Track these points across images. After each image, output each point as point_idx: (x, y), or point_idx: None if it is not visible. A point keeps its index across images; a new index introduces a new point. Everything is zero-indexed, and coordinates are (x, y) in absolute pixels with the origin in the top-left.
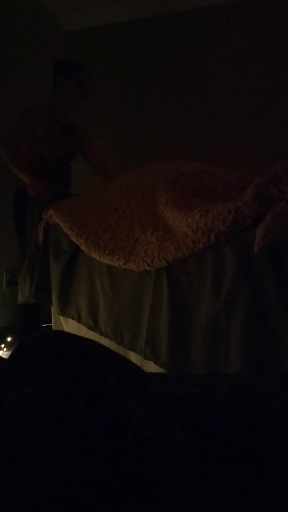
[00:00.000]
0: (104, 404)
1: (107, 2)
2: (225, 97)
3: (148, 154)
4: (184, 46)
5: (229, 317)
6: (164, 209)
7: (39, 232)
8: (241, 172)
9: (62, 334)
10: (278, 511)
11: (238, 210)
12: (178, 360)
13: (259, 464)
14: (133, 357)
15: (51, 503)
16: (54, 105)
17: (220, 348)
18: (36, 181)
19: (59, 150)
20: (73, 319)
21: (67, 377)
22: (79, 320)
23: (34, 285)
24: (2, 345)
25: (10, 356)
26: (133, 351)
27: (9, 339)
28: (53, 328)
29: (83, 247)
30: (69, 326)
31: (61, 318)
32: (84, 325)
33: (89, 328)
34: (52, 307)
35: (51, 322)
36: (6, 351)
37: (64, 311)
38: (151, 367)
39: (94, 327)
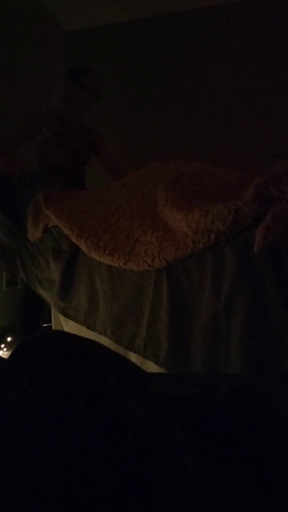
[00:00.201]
0: (104, 404)
1: (107, 2)
2: (225, 97)
3: (148, 154)
4: (184, 46)
5: (229, 317)
6: (164, 209)
7: (32, 234)
8: (241, 172)
9: (62, 334)
10: (278, 511)
11: (238, 210)
12: (178, 360)
13: (259, 464)
14: (133, 357)
15: (51, 503)
16: (66, 111)
17: (220, 348)
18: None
19: (72, 154)
20: (73, 320)
21: (67, 377)
22: (79, 321)
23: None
24: (2, 345)
25: (10, 356)
26: (133, 351)
27: (9, 339)
28: (53, 328)
29: (83, 247)
30: (69, 326)
31: (61, 318)
32: (83, 325)
33: (89, 327)
34: (52, 307)
35: (51, 322)
36: (6, 351)
37: (64, 311)
38: (151, 367)
39: (93, 327)
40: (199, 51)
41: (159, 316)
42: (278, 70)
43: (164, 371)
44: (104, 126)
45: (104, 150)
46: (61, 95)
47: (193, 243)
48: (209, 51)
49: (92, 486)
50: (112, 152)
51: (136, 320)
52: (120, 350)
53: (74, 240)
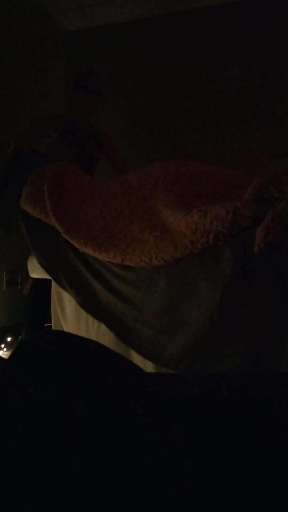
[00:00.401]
0: (104, 404)
1: (107, 2)
2: (226, 96)
3: (148, 154)
4: (184, 46)
5: (226, 317)
6: (164, 210)
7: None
8: (241, 172)
9: (62, 334)
10: (278, 511)
11: (237, 211)
12: (173, 358)
13: (259, 464)
14: (133, 357)
15: (51, 503)
16: (72, 114)
17: (217, 347)
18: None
19: (80, 156)
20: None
21: (67, 377)
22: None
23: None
24: (2, 345)
25: (10, 356)
26: (127, 344)
27: (9, 339)
28: (53, 328)
29: (80, 244)
30: (69, 326)
31: (61, 318)
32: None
33: (86, 310)
34: (52, 307)
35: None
36: (6, 351)
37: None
38: (151, 367)
39: (88, 309)
40: (199, 51)
41: (155, 313)
42: (278, 70)
43: (164, 371)
44: (104, 126)
45: (113, 152)
46: (61, 95)
47: (191, 244)
48: (209, 51)
49: (92, 486)
50: (122, 155)
51: (131, 316)
52: (120, 350)
53: (66, 236)
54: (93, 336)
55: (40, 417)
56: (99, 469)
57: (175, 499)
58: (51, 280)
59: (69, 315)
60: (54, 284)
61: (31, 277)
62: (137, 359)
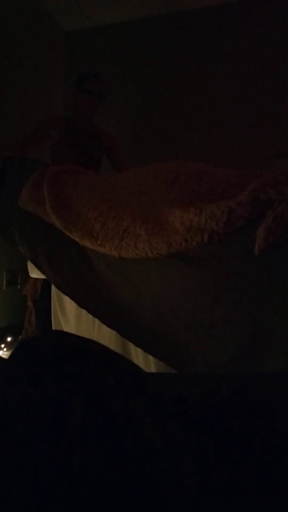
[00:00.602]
0: (104, 404)
1: (107, 2)
2: (226, 96)
3: (148, 154)
4: (184, 46)
5: (216, 314)
6: (161, 206)
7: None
8: (241, 172)
9: (62, 334)
10: (278, 511)
11: (232, 211)
12: (161, 352)
13: (259, 464)
14: (133, 357)
15: (51, 503)
16: (74, 115)
17: (208, 343)
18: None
19: (83, 157)
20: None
21: (67, 377)
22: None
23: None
24: (2, 345)
25: (10, 356)
26: (114, 329)
27: (9, 339)
28: (53, 328)
29: (77, 236)
30: (69, 326)
31: (61, 318)
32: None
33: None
34: (52, 307)
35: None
36: (6, 351)
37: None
38: (150, 367)
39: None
40: (199, 51)
41: (144, 305)
42: (278, 70)
43: (164, 371)
44: (104, 126)
45: (114, 152)
46: (61, 95)
47: (185, 242)
48: (209, 51)
49: (92, 486)
50: (123, 155)
51: (119, 306)
52: (121, 350)
53: (66, 231)
54: (94, 336)
55: (40, 417)
56: (99, 469)
57: (175, 499)
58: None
59: (69, 315)
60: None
61: (31, 277)
62: (137, 359)
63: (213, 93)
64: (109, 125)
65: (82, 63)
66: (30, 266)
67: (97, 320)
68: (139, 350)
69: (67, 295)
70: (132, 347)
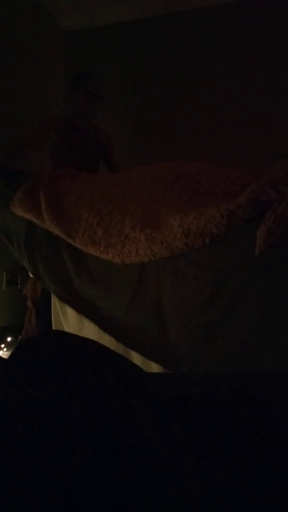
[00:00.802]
0: (104, 404)
1: (107, 2)
2: (226, 96)
3: (148, 154)
4: (184, 46)
5: (213, 314)
6: (161, 207)
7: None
8: (241, 171)
9: (62, 334)
10: (278, 511)
11: (231, 215)
12: (158, 351)
13: (259, 464)
14: (133, 357)
15: (52, 502)
16: (73, 116)
17: (205, 343)
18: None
19: (82, 157)
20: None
21: (67, 377)
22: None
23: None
24: (2, 345)
25: (10, 356)
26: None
27: (9, 339)
28: (53, 328)
29: (80, 244)
30: (69, 326)
31: (61, 318)
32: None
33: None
34: (52, 307)
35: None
36: (6, 351)
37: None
38: (150, 367)
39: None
40: (199, 51)
41: (142, 304)
42: (278, 70)
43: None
44: (104, 127)
45: (110, 151)
46: (61, 95)
47: (186, 246)
48: (209, 51)
49: (92, 486)
50: (117, 157)
51: (116, 303)
52: (120, 350)
53: (68, 238)
54: (95, 336)
55: (40, 417)
56: (99, 469)
57: (175, 499)
58: None
59: (70, 316)
60: None
61: (31, 277)
62: (137, 359)
63: (213, 93)
64: (109, 125)
65: (82, 63)
66: None
67: None
68: None
69: (66, 303)
70: None
